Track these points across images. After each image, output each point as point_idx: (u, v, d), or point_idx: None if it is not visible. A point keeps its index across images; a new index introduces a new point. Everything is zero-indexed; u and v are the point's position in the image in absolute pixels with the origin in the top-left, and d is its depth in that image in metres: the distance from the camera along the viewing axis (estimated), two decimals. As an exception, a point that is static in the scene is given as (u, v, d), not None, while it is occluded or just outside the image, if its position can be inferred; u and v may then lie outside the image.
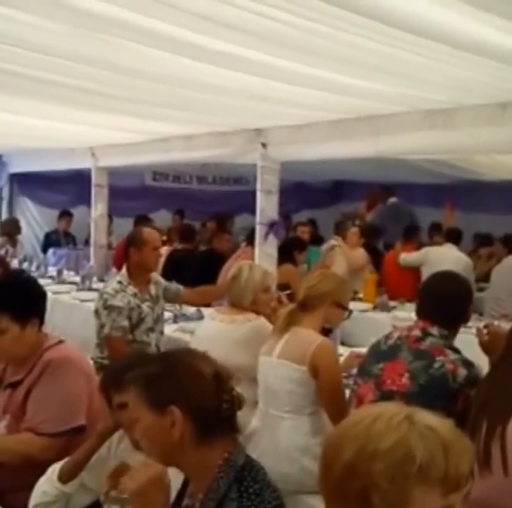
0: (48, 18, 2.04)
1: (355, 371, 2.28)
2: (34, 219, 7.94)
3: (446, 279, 2.06)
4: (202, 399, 1.21)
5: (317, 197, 9.16)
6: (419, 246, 5.52)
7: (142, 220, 6.30)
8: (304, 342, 2.15)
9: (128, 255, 3.14)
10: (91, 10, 1.88)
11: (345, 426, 0.84)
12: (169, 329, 3.53)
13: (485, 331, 2.06)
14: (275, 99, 3.05)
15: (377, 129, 3.29)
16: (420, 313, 1.97)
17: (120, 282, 3.03)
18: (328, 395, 2.13)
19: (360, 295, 4.90)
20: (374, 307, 4.68)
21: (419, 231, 5.97)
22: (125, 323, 2.94)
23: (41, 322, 1.96)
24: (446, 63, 2.18)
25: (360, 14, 1.72)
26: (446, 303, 1.93)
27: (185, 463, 1.23)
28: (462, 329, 2.04)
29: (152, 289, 3.14)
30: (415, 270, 5.05)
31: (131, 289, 3.01)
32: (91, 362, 2.14)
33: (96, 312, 2.98)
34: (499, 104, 2.74)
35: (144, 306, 3.03)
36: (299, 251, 4.93)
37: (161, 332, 3.22)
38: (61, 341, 1.98)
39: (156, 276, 3.28)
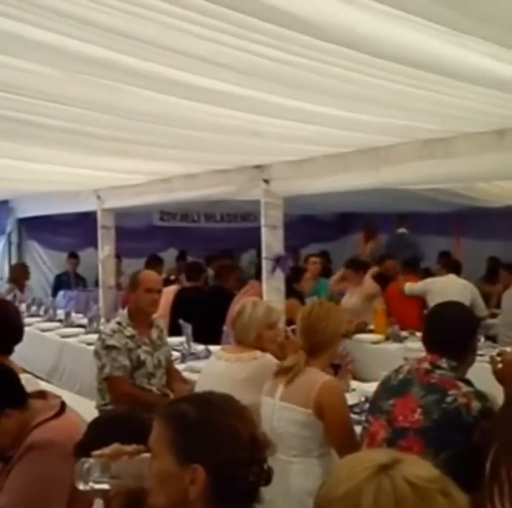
0: (48, 65, 2.09)
1: (366, 407, 2.22)
2: (44, 262, 8.03)
3: (449, 311, 2.02)
4: (231, 466, 1.11)
5: (325, 230, 9.18)
6: (423, 276, 5.49)
7: (153, 260, 6.32)
8: (307, 383, 2.10)
9: (127, 296, 3.12)
10: (91, 56, 1.93)
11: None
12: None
13: (499, 359, 2.00)
14: (275, 135, 3.08)
15: (377, 161, 3.31)
16: (428, 346, 1.93)
17: (119, 323, 2.99)
18: (337, 436, 2.07)
19: (371, 327, 4.84)
20: (386, 338, 4.62)
21: (419, 262, 5.98)
22: (127, 362, 2.87)
23: (21, 402, 1.77)
24: (442, 93, 2.19)
25: (354, 49, 1.74)
26: (450, 334, 1.89)
27: None
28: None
29: (154, 333, 3.05)
30: (419, 300, 5.00)
31: (129, 331, 2.95)
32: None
33: (96, 353, 2.93)
34: (496, 131, 2.75)
35: (141, 351, 2.94)
36: (297, 281, 4.89)
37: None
38: (59, 412, 1.79)
39: (159, 320, 3.21)
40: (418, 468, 0.79)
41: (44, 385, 2.79)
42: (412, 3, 1.47)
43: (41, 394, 1.86)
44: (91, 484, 1.21)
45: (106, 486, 1.22)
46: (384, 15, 1.52)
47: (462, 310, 2.04)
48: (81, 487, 1.22)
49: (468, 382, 1.84)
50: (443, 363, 1.84)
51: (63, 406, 1.84)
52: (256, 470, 1.13)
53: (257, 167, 4.06)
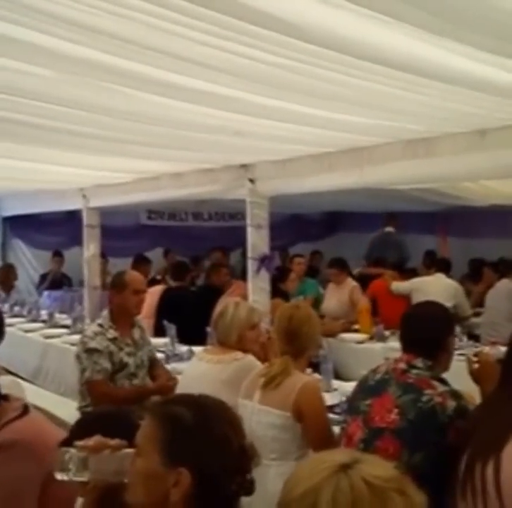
0: (36, 65, 2.09)
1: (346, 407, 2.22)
2: (29, 262, 7.94)
3: (424, 310, 2.04)
4: (218, 474, 1.10)
5: (313, 229, 9.19)
6: (410, 276, 5.51)
7: (140, 260, 6.29)
8: (287, 386, 2.09)
9: (110, 297, 3.09)
10: (79, 57, 1.94)
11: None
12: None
13: (475, 359, 2.02)
14: (259, 135, 3.09)
15: (361, 161, 3.33)
16: (404, 345, 1.94)
17: (100, 325, 2.97)
18: (315, 437, 2.06)
19: (356, 327, 4.86)
20: (371, 338, 4.63)
21: (405, 263, 6.00)
22: (107, 365, 2.86)
23: None
24: (424, 94, 2.21)
25: (338, 51, 1.77)
26: (425, 333, 1.90)
27: None
28: (456, 357, 2.01)
29: (136, 333, 3.05)
30: (406, 299, 5.02)
31: (111, 333, 2.94)
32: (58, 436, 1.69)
33: (78, 357, 2.91)
34: (478, 130, 2.77)
35: (123, 353, 2.93)
36: (282, 281, 4.90)
37: (152, 377, 3.08)
38: (23, 413, 1.73)
39: (140, 320, 3.21)
40: (376, 467, 0.81)
41: (27, 387, 2.75)
42: (392, 6, 1.48)
43: (4, 396, 1.80)
44: (70, 474, 1.20)
45: (84, 478, 1.21)
46: (365, 17, 1.53)
47: (437, 309, 2.05)
48: (59, 476, 1.21)
49: (444, 381, 1.85)
50: (419, 362, 1.85)
51: (26, 407, 1.79)
52: (239, 480, 1.12)
53: (242, 166, 4.06)
